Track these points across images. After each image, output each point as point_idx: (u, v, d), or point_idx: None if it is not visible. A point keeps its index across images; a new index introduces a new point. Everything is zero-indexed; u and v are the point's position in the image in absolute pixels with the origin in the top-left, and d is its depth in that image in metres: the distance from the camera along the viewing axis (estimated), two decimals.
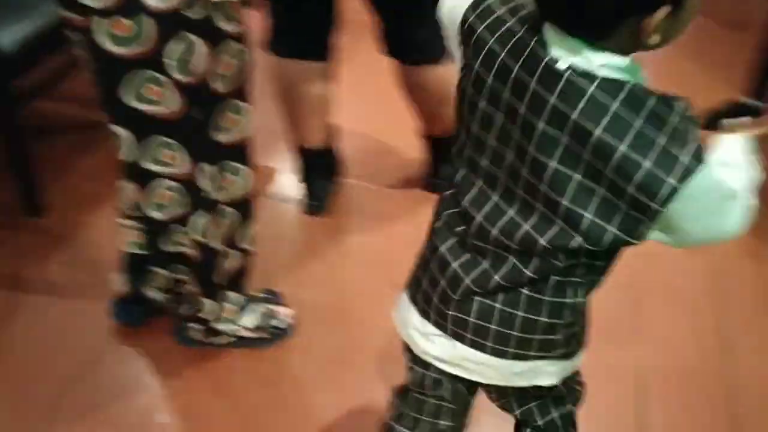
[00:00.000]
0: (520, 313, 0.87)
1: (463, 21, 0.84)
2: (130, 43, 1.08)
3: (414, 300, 0.98)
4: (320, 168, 1.92)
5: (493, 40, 0.79)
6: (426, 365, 0.99)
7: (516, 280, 0.85)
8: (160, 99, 1.15)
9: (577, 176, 0.74)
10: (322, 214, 1.92)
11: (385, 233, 1.87)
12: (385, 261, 1.76)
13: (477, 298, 0.88)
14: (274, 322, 1.57)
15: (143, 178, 1.27)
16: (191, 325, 1.51)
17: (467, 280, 0.88)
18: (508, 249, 0.84)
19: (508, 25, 0.78)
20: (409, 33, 1.70)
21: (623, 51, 0.73)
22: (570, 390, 1.08)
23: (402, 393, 1.09)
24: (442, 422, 1.06)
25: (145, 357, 1.55)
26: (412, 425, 1.07)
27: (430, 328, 0.94)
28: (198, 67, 1.15)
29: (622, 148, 0.70)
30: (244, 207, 1.40)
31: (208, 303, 1.45)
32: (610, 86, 0.71)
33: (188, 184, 1.27)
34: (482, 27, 0.81)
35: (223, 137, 1.27)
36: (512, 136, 0.78)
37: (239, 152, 1.33)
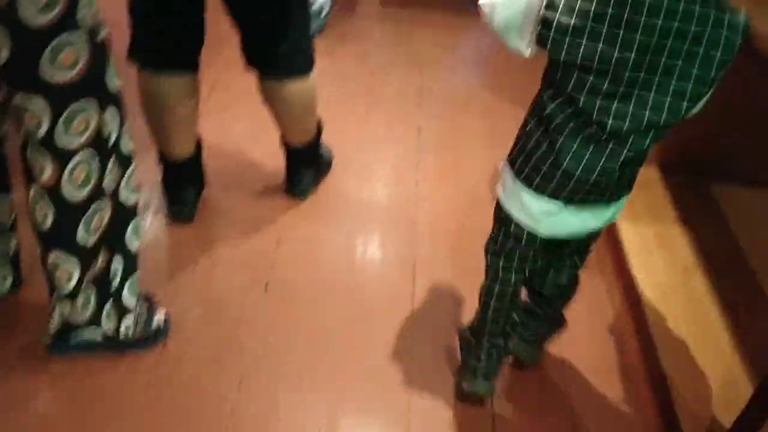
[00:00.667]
0: None
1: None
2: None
3: None
4: (186, 178, 1.97)
5: None
6: None
7: None
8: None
9: None
10: (190, 223, 1.99)
11: (251, 239, 1.98)
12: (252, 265, 1.88)
13: None
14: (150, 325, 1.63)
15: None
16: (65, 329, 1.54)
17: None
18: None
19: None
20: (271, 47, 1.77)
21: None
22: None
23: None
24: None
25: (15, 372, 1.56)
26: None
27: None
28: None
29: None
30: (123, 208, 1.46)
31: (81, 305, 1.50)
32: None
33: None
34: None
35: None
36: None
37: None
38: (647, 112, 1.10)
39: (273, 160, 2.17)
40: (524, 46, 1.15)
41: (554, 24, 1.07)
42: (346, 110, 2.61)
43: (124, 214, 1.48)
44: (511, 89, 2.78)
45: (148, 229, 1.96)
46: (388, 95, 2.75)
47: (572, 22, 1.05)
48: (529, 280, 1.50)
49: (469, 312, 1.63)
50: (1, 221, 1.61)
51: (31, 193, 1.38)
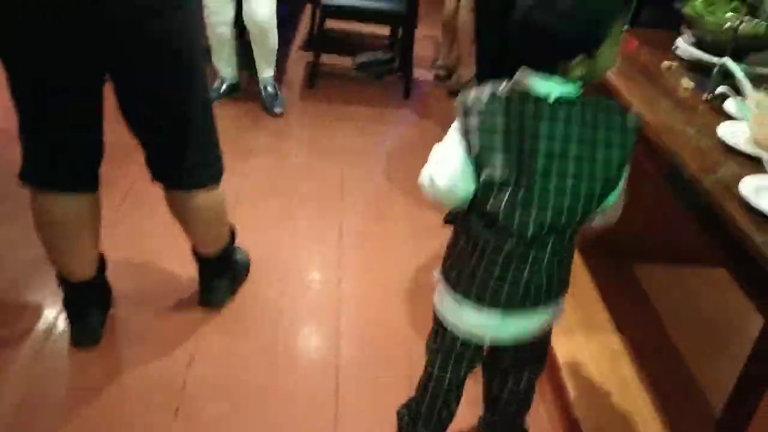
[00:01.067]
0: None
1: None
2: None
3: None
4: (89, 299, 1.86)
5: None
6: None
7: None
8: None
9: None
10: (95, 347, 1.87)
11: (162, 360, 1.86)
12: (162, 389, 1.77)
13: None
14: None
15: None
16: None
17: None
18: None
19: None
20: (174, 162, 1.72)
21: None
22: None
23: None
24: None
25: None
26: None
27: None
28: None
29: None
30: None
31: None
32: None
33: None
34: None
35: None
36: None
37: None
38: (549, 213, 1.17)
39: (187, 270, 2.08)
40: (471, 189, 1.20)
41: (475, 149, 1.15)
42: (265, 211, 2.56)
43: None
44: None
45: (49, 355, 1.84)
46: (310, 192, 2.72)
47: (486, 144, 1.15)
48: (486, 389, 1.57)
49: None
50: None
51: None
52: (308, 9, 4.33)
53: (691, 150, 1.35)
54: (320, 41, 3.68)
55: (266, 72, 3.37)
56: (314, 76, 3.66)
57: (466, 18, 3.58)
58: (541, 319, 1.34)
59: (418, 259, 2.35)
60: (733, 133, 1.35)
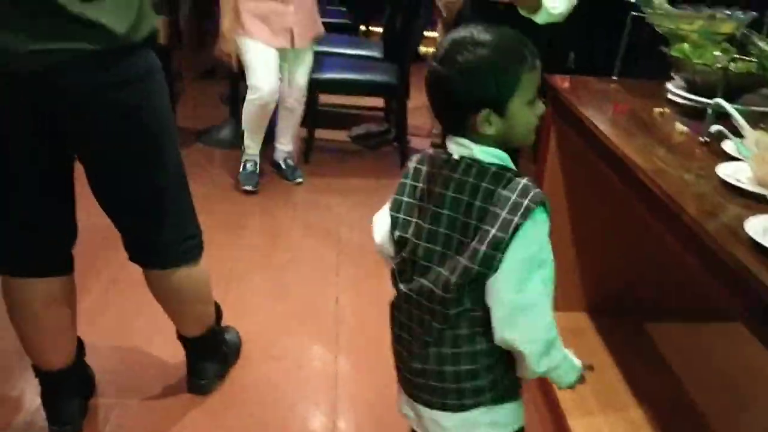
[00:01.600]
0: None
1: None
2: None
3: None
4: (67, 389, 1.76)
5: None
6: None
7: None
8: None
9: None
10: None
11: None
12: None
13: None
14: None
15: None
16: None
17: None
18: None
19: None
20: (149, 238, 1.66)
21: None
22: None
23: None
24: None
25: None
26: None
27: None
28: None
29: None
30: None
31: None
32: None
33: None
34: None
35: None
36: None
37: None
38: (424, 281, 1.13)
39: (175, 356, 1.98)
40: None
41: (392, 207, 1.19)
42: (257, 287, 2.47)
43: None
44: None
45: None
46: (304, 268, 2.64)
47: (396, 203, 1.18)
48: None
49: None
50: None
51: None
52: None
53: (691, 194, 1.26)
54: (314, 117, 3.67)
55: (290, 145, 3.41)
56: (309, 151, 3.64)
57: None
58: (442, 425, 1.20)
59: None
60: (734, 173, 1.27)
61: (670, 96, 1.70)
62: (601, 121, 1.62)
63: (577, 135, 1.77)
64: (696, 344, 2.10)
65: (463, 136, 1.09)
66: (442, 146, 1.15)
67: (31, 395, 1.87)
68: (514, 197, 1.04)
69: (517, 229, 1.03)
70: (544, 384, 1.86)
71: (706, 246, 1.12)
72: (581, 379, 1.22)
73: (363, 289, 2.50)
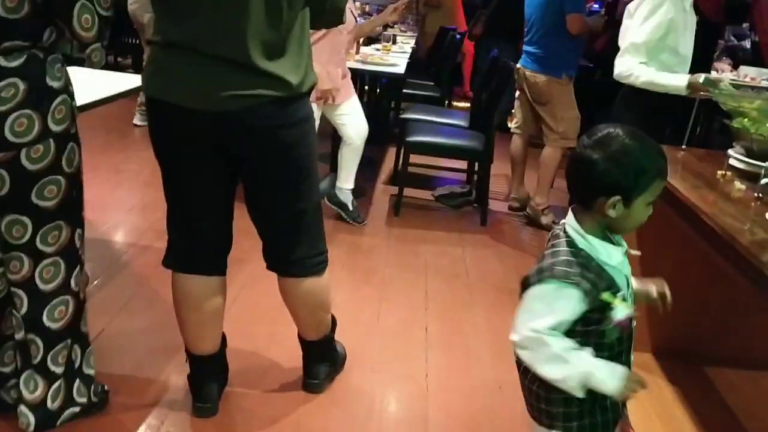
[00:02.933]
0: None
1: None
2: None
3: None
4: (211, 373, 2.13)
5: None
6: None
7: None
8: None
9: None
10: (212, 417, 2.10)
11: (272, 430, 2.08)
12: None
13: None
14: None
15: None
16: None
17: None
18: None
19: None
20: (286, 252, 2.02)
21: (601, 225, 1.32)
22: None
23: None
24: None
25: None
26: None
27: None
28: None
29: None
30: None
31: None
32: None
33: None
34: None
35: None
36: None
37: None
38: None
39: (291, 361, 2.34)
40: None
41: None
42: (358, 314, 2.82)
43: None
44: (510, 293, 3.02)
45: (172, 424, 2.07)
46: (396, 301, 2.98)
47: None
48: None
49: None
50: None
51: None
52: (391, 151, 4.81)
53: (744, 232, 1.56)
54: (404, 176, 4.08)
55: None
56: (398, 206, 4.03)
57: (519, 144, 4.15)
58: None
59: (499, 364, 2.54)
60: None
61: (731, 161, 2.02)
62: (672, 176, 1.94)
63: None
64: (757, 389, 2.31)
65: (585, 211, 1.33)
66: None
67: (174, 379, 2.24)
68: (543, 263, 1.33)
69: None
70: None
71: (753, 266, 1.42)
72: (632, 387, 1.32)
73: (450, 323, 2.82)
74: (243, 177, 1.96)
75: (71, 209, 1.85)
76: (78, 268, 1.91)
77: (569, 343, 1.30)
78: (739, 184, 1.89)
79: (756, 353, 2.34)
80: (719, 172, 2.00)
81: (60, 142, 1.75)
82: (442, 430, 2.15)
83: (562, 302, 1.28)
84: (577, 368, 1.29)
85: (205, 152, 1.86)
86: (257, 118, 1.79)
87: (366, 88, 5.55)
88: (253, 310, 2.68)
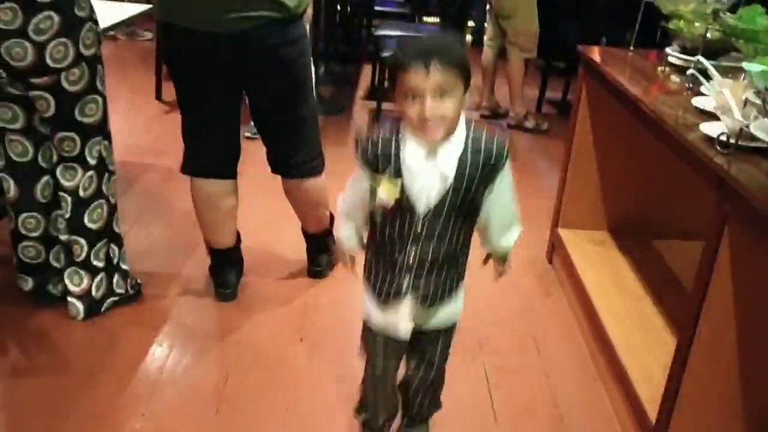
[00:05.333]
0: None
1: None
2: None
3: None
4: (230, 263, 2.47)
5: None
6: None
7: None
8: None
9: None
10: (233, 301, 2.46)
11: (285, 308, 2.45)
12: (290, 325, 2.32)
13: None
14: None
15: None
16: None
17: None
18: None
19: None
20: (287, 156, 2.32)
21: None
22: None
23: None
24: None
25: None
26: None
27: None
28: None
29: None
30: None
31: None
32: None
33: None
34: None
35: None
36: None
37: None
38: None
39: (295, 254, 2.69)
40: None
41: None
42: None
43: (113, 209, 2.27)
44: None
45: (197, 309, 2.42)
46: None
47: None
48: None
49: None
50: None
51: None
52: (366, 69, 5.04)
53: (675, 115, 1.90)
54: (382, 90, 4.34)
55: None
56: (377, 120, 4.30)
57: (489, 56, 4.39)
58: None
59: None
60: (703, 103, 1.90)
61: (669, 58, 2.33)
62: (620, 75, 2.26)
63: (601, 87, 2.41)
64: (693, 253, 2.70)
65: None
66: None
67: (195, 273, 2.58)
68: None
69: None
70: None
71: (674, 138, 1.76)
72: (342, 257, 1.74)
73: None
74: (248, 91, 2.24)
75: (105, 124, 2.14)
76: (107, 176, 2.21)
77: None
78: (674, 78, 2.21)
79: (694, 223, 2.72)
80: (659, 68, 2.32)
81: (91, 64, 2.02)
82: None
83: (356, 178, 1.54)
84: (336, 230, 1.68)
85: (214, 69, 2.12)
86: (261, 37, 2.06)
87: (338, 8, 5.71)
88: (259, 215, 2.99)
